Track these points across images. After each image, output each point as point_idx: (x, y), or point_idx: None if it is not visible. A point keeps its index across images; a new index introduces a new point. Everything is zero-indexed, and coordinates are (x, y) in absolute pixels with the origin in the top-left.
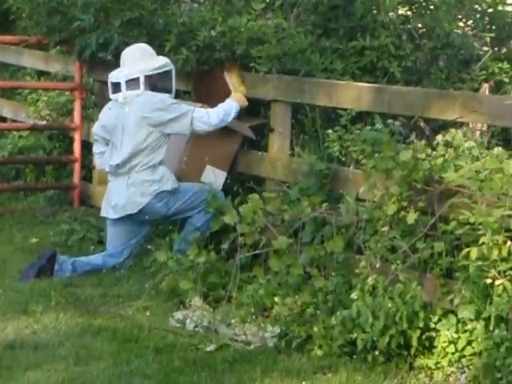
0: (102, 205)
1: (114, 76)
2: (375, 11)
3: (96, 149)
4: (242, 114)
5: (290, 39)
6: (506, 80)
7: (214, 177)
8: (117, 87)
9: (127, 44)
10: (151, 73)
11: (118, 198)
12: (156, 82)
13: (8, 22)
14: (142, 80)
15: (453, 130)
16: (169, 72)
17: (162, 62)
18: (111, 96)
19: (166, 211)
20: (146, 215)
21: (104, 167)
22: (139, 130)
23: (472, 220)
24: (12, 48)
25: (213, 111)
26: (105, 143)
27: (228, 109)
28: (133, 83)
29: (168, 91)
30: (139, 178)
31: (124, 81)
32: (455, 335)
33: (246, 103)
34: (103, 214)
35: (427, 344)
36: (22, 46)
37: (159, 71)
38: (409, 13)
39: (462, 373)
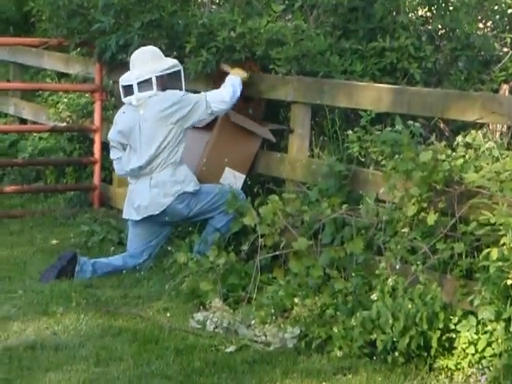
0: (124, 207)
1: (124, 79)
2: (395, 12)
3: (113, 155)
4: (262, 118)
5: (309, 40)
6: None
7: (234, 179)
8: (129, 90)
9: (147, 46)
10: (162, 73)
11: (141, 199)
12: (166, 83)
13: (28, 25)
14: (154, 81)
15: (473, 131)
16: (178, 72)
17: (171, 63)
18: (124, 99)
19: (187, 213)
20: (168, 216)
21: (123, 172)
22: (159, 129)
23: (492, 221)
24: (32, 50)
25: (221, 89)
26: (122, 148)
27: (232, 83)
28: (145, 85)
29: (181, 87)
30: (162, 179)
31: (136, 83)
32: (475, 336)
33: (246, 74)
34: (126, 216)
35: (447, 345)
36: (42, 48)
37: (169, 71)
38: (429, 14)
39: (482, 374)
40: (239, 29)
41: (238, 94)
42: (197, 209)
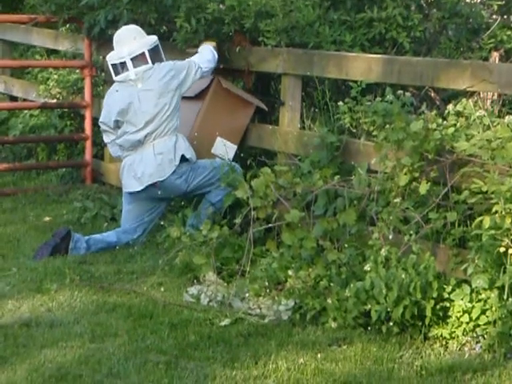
0: (124, 180)
1: (114, 57)
2: None
3: (107, 138)
4: (253, 90)
5: (297, 12)
6: None
7: (225, 149)
8: (121, 67)
9: (136, 21)
10: (151, 47)
11: (145, 167)
12: (152, 56)
13: (16, 1)
14: (147, 54)
15: (463, 100)
16: (158, 46)
17: (154, 38)
18: (116, 78)
19: (185, 187)
20: (166, 192)
21: (120, 153)
22: (162, 98)
23: (484, 189)
24: (21, 27)
25: (200, 53)
26: (113, 129)
27: (206, 47)
28: (138, 59)
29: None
30: (166, 145)
31: (129, 58)
32: (469, 305)
33: (214, 43)
34: (127, 189)
35: (441, 314)
36: (30, 25)
37: (155, 45)
38: None
39: (477, 342)
40: (228, 1)
41: (216, 55)
42: (194, 183)
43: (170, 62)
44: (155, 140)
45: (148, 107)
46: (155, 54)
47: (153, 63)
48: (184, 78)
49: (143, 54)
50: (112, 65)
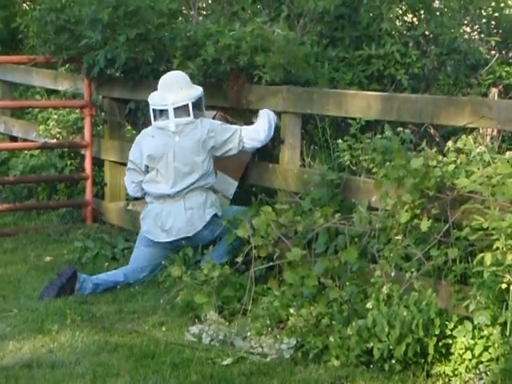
0: (146, 226)
1: (157, 103)
2: (380, 20)
3: (134, 178)
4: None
5: (294, 47)
6: None
7: (226, 185)
8: (161, 114)
9: (134, 60)
10: (195, 100)
11: (175, 222)
12: (194, 108)
13: (16, 41)
14: (190, 107)
15: (463, 136)
16: (202, 98)
17: (200, 89)
18: (157, 123)
19: (211, 237)
20: (193, 242)
21: (139, 194)
22: (197, 156)
23: (485, 225)
24: (21, 67)
25: (257, 127)
26: (142, 171)
27: (269, 120)
28: (181, 110)
29: (202, 114)
30: (196, 201)
31: (172, 108)
32: (472, 341)
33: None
34: (151, 236)
35: (444, 351)
36: (30, 65)
37: (199, 97)
38: (414, 19)
39: (480, 379)
40: (224, 40)
41: (272, 133)
42: (218, 232)
43: (217, 122)
44: (186, 195)
45: (181, 164)
46: (197, 107)
47: (194, 115)
48: (222, 144)
49: (186, 105)
50: (153, 109)
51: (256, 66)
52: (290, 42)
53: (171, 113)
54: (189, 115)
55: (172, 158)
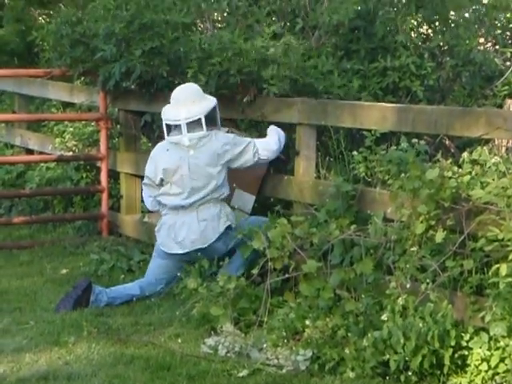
0: (161, 239)
1: (170, 118)
2: (395, 32)
3: (150, 193)
4: None
5: (297, 56)
6: None
7: (244, 200)
8: (174, 128)
9: (149, 73)
10: (208, 113)
11: (188, 233)
12: (208, 121)
13: (32, 55)
14: (203, 121)
15: (478, 148)
16: (216, 109)
17: (214, 100)
18: (171, 138)
19: (225, 249)
20: (207, 254)
21: (157, 208)
22: (211, 169)
23: (501, 236)
24: (37, 80)
25: (268, 139)
26: (157, 186)
27: (278, 133)
28: (194, 124)
29: (217, 126)
30: (210, 213)
31: (185, 123)
32: (488, 353)
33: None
34: (165, 249)
35: (460, 362)
36: (46, 79)
37: (213, 109)
38: (430, 31)
39: None
40: (233, 51)
41: (282, 145)
42: (231, 244)
43: (231, 135)
44: (199, 206)
45: (196, 176)
46: (211, 119)
47: (207, 128)
48: (237, 156)
49: (199, 119)
50: (166, 124)
51: (264, 80)
52: (292, 52)
53: (184, 128)
54: (202, 129)
55: (187, 171)
